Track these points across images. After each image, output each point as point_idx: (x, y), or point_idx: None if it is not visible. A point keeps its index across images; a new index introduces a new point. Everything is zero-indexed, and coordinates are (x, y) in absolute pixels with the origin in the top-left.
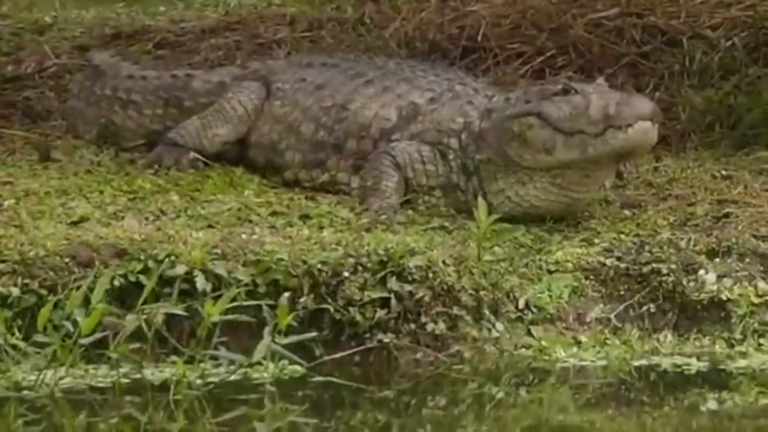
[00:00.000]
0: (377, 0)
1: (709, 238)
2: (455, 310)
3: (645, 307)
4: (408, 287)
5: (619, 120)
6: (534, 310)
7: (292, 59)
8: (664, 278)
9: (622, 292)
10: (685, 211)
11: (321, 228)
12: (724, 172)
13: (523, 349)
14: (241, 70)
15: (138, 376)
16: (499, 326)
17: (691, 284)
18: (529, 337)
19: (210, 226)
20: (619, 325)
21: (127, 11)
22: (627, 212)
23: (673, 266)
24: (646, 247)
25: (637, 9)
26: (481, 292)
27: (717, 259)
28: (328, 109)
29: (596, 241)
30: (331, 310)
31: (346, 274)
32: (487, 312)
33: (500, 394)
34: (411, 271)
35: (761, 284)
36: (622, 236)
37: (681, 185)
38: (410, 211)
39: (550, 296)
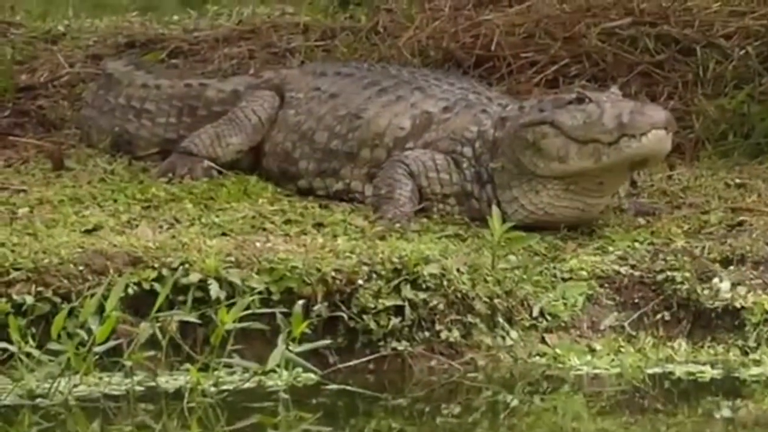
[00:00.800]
0: (391, 9)
1: (723, 247)
2: (469, 318)
3: (659, 315)
4: (422, 295)
5: (633, 128)
6: (548, 318)
7: (305, 68)
8: (678, 286)
9: (636, 300)
10: (699, 220)
11: (335, 236)
12: (737, 181)
13: (537, 357)
14: (255, 79)
15: (152, 384)
16: (514, 334)
17: (706, 292)
18: (544, 345)
19: (224, 234)
20: (633, 333)
21: (140, 20)
22: (641, 220)
23: (687, 274)
24: (661, 255)
25: (650, 18)
26: (496, 300)
27: (731, 267)
28: (341, 118)
29: (610, 249)
30: (345, 317)
31: (360, 282)
32: (501, 320)
33: (514, 402)
34: (425, 279)
35: None
36: (637, 244)
37: (695, 194)
38: (424, 219)
39: (565, 304)
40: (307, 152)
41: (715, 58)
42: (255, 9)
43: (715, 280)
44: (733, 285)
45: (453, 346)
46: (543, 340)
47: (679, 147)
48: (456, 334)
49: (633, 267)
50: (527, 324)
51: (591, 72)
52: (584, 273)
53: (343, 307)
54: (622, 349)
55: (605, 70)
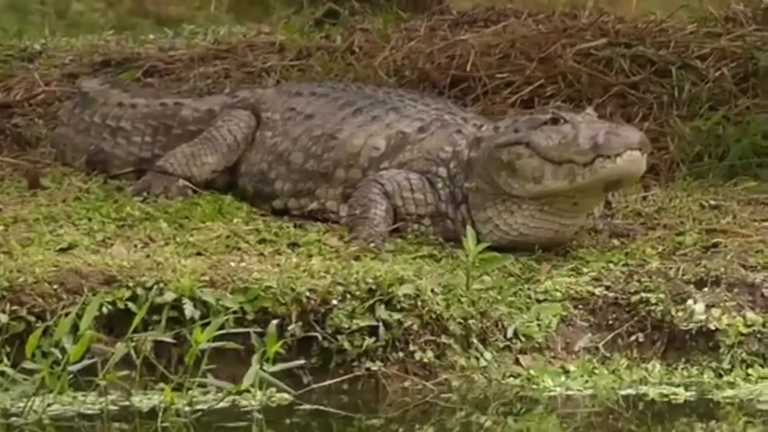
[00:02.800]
0: (366, 29)
1: (697, 268)
2: (443, 339)
3: (633, 337)
4: (396, 315)
5: (608, 149)
6: (522, 339)
7: (281, 88)
8: (652, 308)
9: (610, 322)
10: (674, 241)
11: (309, 256)
12: (712, 202)
13: (511, 378)
14: (231, 98)
15: (126, 403)
16: (488, 355)
17: (680, 314)
18: (518, 366)
19: (199, 254)
20: (608, 355)
21: (116, 39)
22: (616, 242)
23: (662, 296)
24: (635, 277)
25: (625, 39)
26: (470, 321)
27: (705, 289)
28: (317, 139)
29: (585, 270)
30: (320, 337)
31: (334, 302)
32: (475, 341)
33: (488, 423)
34: (399, 299)
35: (750, 314)
36: (611, 265)
37: (670, 215)
38: (399, 240)
39: (539, 325)
40: (283, 173)
41: (691, 80)
42: (231, 28)
43: (690, 301)
44: (708, 307)
45: (427, 367)
46: (517, 361)
47: (654, 168)
48: (430, 354)
49: (607, 288)
50: (501, 345)
51: (566, 93)
52: (558, 294)
53: (318, 327)
54: (596, 371)
55: (580, 91)
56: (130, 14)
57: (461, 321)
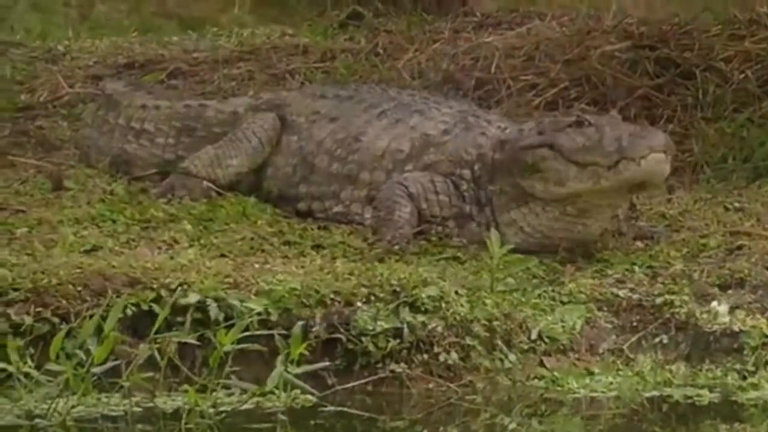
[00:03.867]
0: (390, 30)
1: (721, 270)
2: (468, 341)
3: (657, 339)
4: (421, 317)
5: (632, 152)
6: (546, 340)
7: (305, 90)
8: (676, 310)
9: (634, 323)
10: (698, 243)
11: (334, 258)
12: (736, 205)
13: (536, 380)
14: (255, 100)
15: (150, 405)
16: (512, 357)
17: (704, 316)
18: (542, 368)
19: (223, 256)
20: (632, 356)
21: (140, 40)
22: (640, 244)
23: (686, 298)
24: (659, 279)
25: (650, 41)
26: (494, 323)
27: (730, 291)
28: (341, 141)
29: (609, 272)
30: (344, 339)
31: (358, 304)
32: (499, 342)
33: (512, 425)
34: (424, 301)
35: None
36: (635, 267)
37: (694, 217)
38: (423, 242)
39: (563, 327)
40: (308, 176)
41: (715, 82)
42: (254, 30)
43: (714, 303)
44: (732, 308)
45: (451, 369)
46: (541, 363)
47: (678, 170)
48: (454, 356)
49: (631, 290)
50: (525, 347)
51: (590, 95)
52: (583, 296)
53: (342, 329)
54: (620, 372)
55: (605, 94)
56: (154, 16)
57: (485, 323)
